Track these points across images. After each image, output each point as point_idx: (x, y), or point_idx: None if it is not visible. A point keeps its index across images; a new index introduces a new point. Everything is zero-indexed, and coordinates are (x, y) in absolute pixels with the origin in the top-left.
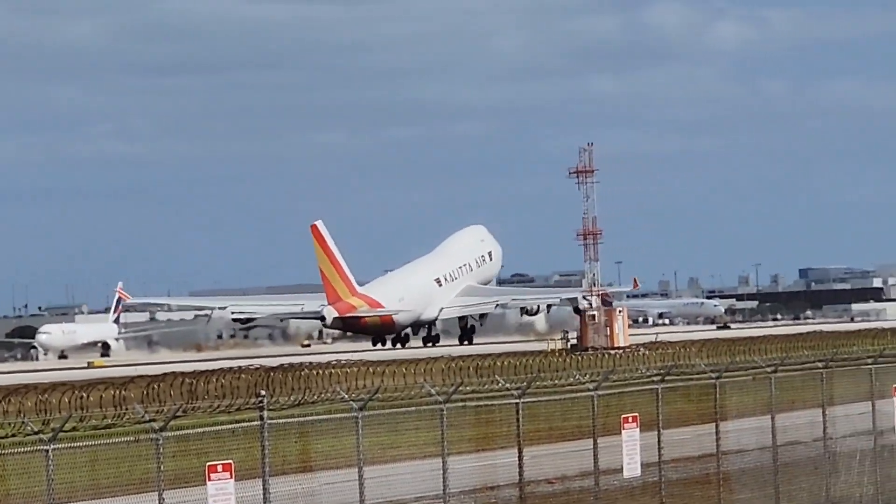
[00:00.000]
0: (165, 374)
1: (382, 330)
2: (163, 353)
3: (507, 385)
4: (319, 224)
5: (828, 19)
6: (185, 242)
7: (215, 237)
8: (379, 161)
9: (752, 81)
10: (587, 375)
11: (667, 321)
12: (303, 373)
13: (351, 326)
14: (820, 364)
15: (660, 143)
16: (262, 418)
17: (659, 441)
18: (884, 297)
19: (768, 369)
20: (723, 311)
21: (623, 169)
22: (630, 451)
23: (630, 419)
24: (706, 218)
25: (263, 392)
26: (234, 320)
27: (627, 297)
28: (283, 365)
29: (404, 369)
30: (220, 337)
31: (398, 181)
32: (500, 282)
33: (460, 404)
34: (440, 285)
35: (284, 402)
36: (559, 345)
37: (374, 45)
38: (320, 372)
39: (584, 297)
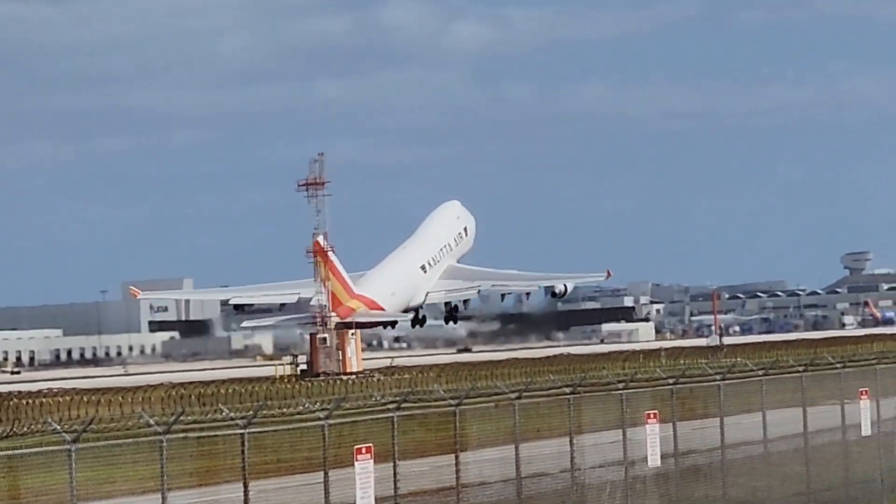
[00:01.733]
0: None
1: (378, 325)
2: None
3: (232, 414)
4: (320, 239)
5: (574, 19)
6: None
7: None
8: (90, 174)
9: (495, 86)
10: (318, 403)
11: (403, 344)
12: (11, 402)
13: (351, 327)
14: (567, 389)
15: (396, 152)
16: None
17: (395, 473)
18: (635, 317)
19: (512, 395)
20: (463, 333)
21: (357, 180)
22: (364, 484)
23: (364, 450)
24: None
25: None
26: (235, 307)
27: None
28: None
29: (121, 398)
30: None
31: (111, 196)
32: (226, 302)
33: (181, 435)
34: (425, 272)
35: None
36: (288, 370)
37: (84, 48)
38: (30, 401)
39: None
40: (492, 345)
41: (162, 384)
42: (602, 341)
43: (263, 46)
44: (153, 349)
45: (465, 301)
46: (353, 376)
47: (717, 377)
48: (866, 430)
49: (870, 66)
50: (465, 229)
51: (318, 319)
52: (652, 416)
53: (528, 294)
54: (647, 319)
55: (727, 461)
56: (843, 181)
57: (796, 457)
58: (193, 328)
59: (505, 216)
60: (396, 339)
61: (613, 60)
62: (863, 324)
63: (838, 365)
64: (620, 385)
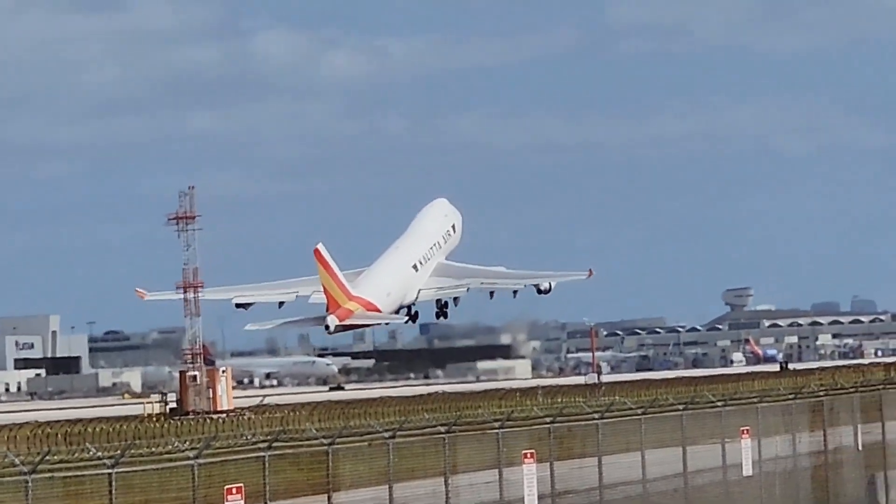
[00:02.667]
0: None
1: (375, 325)
2: None
3: (99, 454)
4: (321, 247)
5: (451, 49)
6: None
7: None
8: None
9: (369, 117)
10: (187, 442)
11: (275, 382)
12: None
13: (350, 328)
14: (442, 428)
15: (268, 185)
16: None
17: None
18: (512, 355)
19: (386, 434)
20: (336, 370)
21: (228, 213)
22: None
23: (234, 490)
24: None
25: None
26: (237, 306)
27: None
28: None
29: None
30: None
31: None
32: (93, 339)
33: (48, 475)
34: (417, 270)
35: None
36: (157, 408)
37: None
38: None
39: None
40: (365, 382)
41: (27, 423)
42: (478, 379)
43: (132, 77)
44: (18, 387)
45: (456, 299)
46: (224, 415)
47: (595, 416)
48: (748, 469)
49: (751, 98)
50: (453, 226)
51: (189, 357)
52: (529, 455)
53: (515, 292)
54: (523, 357)
55: (605, 501)
56: (724, 215)
57: (676, 497)
58: (60, 365)
59: (380, 249)
60: (268, 376)
61: (491, 91)
62: (748, 361)
63: (719, 403)
64: (497, 424)
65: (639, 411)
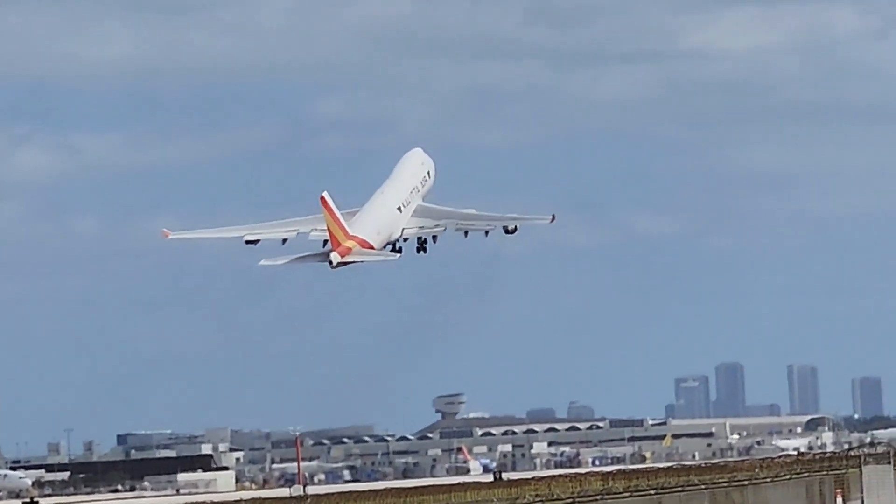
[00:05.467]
0: None
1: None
2: None
3: None
4: (326, 195)
5: (144, 146)
6: None
7: None
8: None
9: (60, 217)
10: None
11: None
12: None
13: (348, 264)
14: None
15: None
16: None
17: None
18: (214, 466)
19: None
20: (30, 483)
21: None
22: None
23: None
24: (9, 374)
25: None
26: (247, 242)
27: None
28: None
29: None
30: None
31: None
32: None
33: None
34: (400, 212)
35: None
36: None
37: None
38: None
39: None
40: (61, 496)
41: None
42: (178, 491)
43: None
44: None
45: (434, 237)
46: None
47: None
48: None
49: (456, 194)
50: (428, 173)
51: None
52: None
53: (486, 233)
54: (226, 468)
55: None
56: (434, 319)
57: None
58: None
59: (72, 355)
60: None
61: (188, 188)
62: (458, 471)
63: None
64: None
65: None
